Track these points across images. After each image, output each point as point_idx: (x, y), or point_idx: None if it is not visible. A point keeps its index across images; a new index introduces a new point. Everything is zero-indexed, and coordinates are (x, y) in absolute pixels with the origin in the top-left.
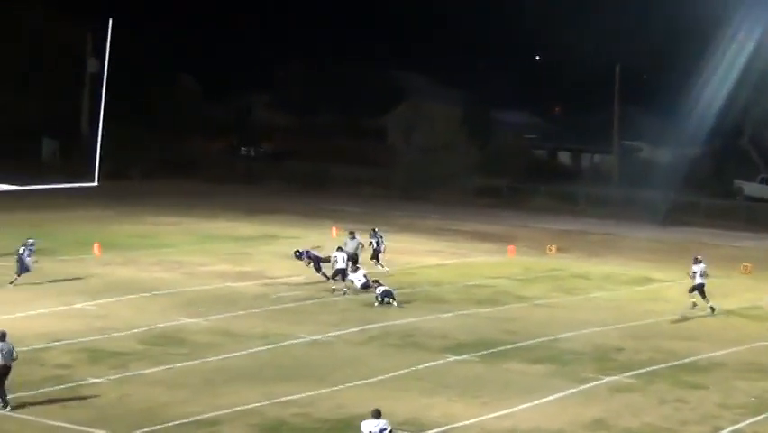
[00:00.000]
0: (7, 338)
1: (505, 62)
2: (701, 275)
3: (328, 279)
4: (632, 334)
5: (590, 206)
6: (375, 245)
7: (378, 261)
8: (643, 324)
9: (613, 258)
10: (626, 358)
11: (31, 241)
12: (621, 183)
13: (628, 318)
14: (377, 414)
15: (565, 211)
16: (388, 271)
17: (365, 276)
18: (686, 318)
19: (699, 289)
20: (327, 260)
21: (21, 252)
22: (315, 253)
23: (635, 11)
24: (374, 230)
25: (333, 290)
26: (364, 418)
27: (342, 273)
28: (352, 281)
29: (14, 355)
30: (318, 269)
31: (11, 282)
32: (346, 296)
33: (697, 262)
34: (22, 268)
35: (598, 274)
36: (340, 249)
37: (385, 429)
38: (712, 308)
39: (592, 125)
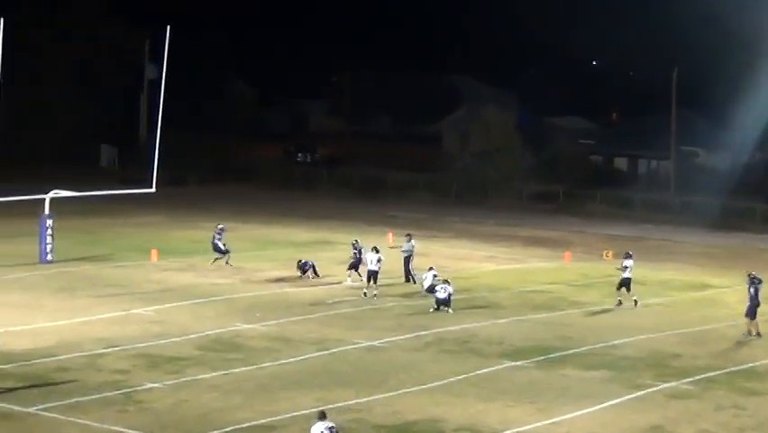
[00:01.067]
0: None
1: (561, 67)
2: (630, 270)
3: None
4: (689, 340)
5: (647, 211)
6: (356, 257)
7: (356, 270)
8: (700, 330)
9: (670, 264)
10: (682, 364)
11: (220, 226)
12: (678, 189)
13: (685, 324)
14: (322, 416)
15: (622, 217)
16: (354, 285)
17: (434, 276)
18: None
19: (626, 283)
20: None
21: (213, 238)
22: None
23: (692, 16)
24: (356, 241)
25: (375, 295)
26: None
27: (374, 275)
28: (422, 283)
29: None
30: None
31: (212, 262)
32: (377, 299)
33: (628, 257)
34: (218, 251)
35: (654, 280)
36: (375, 249)
37: (333, 428)
38: (635, 301)
39: (649, 131)
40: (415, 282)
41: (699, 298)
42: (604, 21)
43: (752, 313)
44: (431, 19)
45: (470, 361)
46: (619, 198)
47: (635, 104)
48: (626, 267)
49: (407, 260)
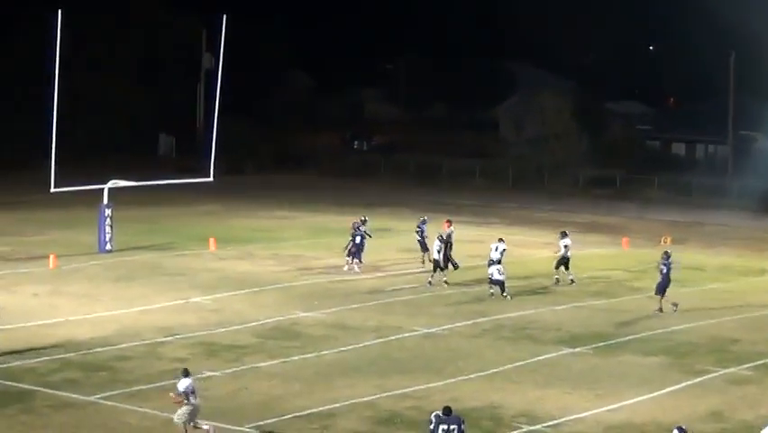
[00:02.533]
0: None
1: (618, 53)
2: (567, 249)
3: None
4: (748, 325)
5: (705, 196)
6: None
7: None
8: (759, 315)
9: (728, 249)
10: (742, 350)
11: (423, 220)
12: (736, 173)
13: (744, 310)
14: (187, 373)
15: (679, 202)
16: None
17: (504, 251)
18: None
19: (565, 262)
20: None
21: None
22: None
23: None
24: (364, 219)
25: (430, 282)
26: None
27: (437, 264)
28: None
29: None
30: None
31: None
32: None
33: (564, 236)
34: (424, 247)
35: (713, 265)
36: (440, 238)
37: (190, 386)
38: (572, 280)
39: (707, 115)
40: (456, 268)
41: (758, 282)
42: (662, 5)
43: (662, 290)
44: (487, 4)
45: (528, 347)
46: (677, 183)
47: (692, 88)
48: (566, 246)
49: (447, 247)
